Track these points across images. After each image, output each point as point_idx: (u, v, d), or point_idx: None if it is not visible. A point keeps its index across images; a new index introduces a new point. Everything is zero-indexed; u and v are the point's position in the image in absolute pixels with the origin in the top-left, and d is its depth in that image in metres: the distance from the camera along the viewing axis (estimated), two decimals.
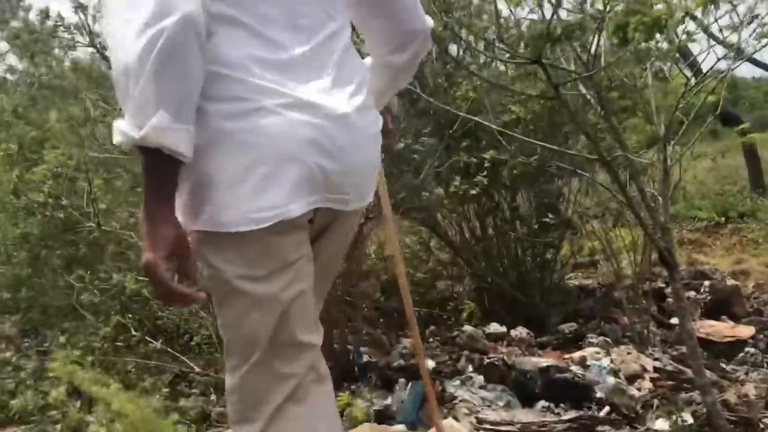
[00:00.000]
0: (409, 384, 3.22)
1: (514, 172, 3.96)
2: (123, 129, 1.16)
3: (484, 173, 4.00)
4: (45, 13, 5.08)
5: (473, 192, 3.91)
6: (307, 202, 1.33)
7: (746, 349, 4.13)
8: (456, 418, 2.76)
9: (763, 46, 2.77)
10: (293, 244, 1.37)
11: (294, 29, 1.33)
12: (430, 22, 1.68)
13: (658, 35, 2.55)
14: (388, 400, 3.23)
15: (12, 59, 6.30)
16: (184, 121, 1.17)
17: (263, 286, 1.34)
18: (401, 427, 2.90)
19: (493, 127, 3.38)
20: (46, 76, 5.28)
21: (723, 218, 8.94)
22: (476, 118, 3.56)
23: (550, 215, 4.46)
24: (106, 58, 4.32)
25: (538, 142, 3.49)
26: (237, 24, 1.26)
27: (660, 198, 3.06)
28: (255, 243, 1.30)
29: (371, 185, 1.54)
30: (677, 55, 3.28)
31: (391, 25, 1.62)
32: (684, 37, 2.88)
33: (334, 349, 3.81)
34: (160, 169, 1.19)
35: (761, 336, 4.39)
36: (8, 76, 6.60)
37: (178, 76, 1.15)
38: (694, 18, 2.91)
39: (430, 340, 4.50)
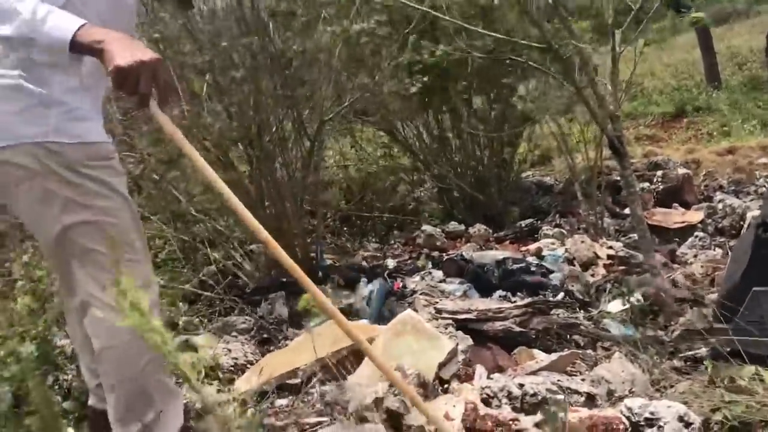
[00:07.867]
0: (373, 282, 3.30)
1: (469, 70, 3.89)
2: None
3: (434, 71, 3.93)
4: None
5: (416, 88, 3.84)
6: None
7: (695, 233, 4.29)
8: (415, 310, 2.83)
9: None
10: None
11: None
12: None
13: None
14: (352, 299, 3.31)
15: None
16: None
17: None
18: (365, 321, 2.99)
19: (451, 19, 3.29)
20: None
21: (680, 113, 9.07)
22: (436, 13, 3.47)
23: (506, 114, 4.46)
24: None
25: (493, 33, 3.44)
26: None
27: (609, 86, 3.08)
28: None
29: None
30: None
31: None
32: None
33: (296, 257, 3.85)
34: None
35: (710, 221, 4.54)
36: None
37: None
38: None
39: (392, 242, 4.57)
